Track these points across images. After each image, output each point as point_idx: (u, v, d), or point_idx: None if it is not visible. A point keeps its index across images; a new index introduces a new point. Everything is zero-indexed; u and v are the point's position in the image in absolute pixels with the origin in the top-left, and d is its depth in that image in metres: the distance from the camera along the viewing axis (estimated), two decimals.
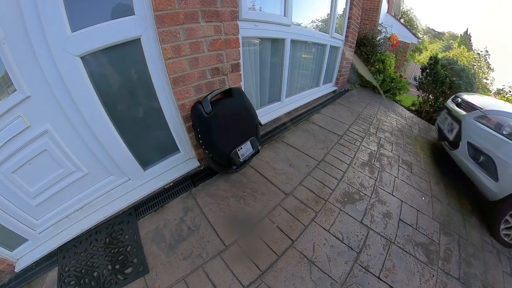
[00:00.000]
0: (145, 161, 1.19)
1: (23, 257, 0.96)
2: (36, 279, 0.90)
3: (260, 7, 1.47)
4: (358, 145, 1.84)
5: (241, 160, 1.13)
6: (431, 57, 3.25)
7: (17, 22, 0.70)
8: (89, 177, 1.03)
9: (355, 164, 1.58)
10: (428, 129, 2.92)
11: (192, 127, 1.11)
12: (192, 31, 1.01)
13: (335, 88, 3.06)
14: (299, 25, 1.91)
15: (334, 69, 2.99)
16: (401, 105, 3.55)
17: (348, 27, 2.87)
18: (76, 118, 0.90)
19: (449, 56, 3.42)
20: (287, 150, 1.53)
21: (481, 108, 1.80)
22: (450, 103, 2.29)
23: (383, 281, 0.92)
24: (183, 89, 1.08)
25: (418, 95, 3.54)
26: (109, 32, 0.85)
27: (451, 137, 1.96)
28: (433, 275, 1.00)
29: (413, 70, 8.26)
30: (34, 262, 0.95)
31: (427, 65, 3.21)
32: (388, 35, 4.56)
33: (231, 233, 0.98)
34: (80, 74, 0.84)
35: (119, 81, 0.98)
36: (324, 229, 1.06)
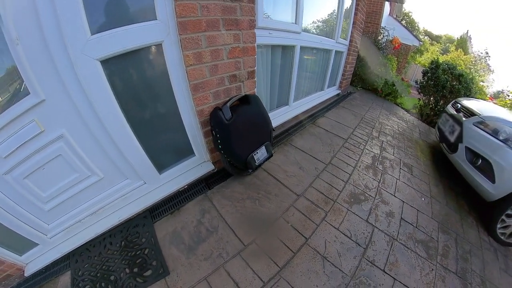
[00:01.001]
0: (161, 165, 1.21)
1: (33, 261, 0.94)
2: (47, 284, 0.90)
3: (273, 15, 1.54)
4: (362, 148, 1.93)
5: (256, 164, 1.20)
6: (432, 61, 3.34)
7: (32, 21, 0.65)
8: (105, 181, 1.02)
9: (360, 167, 1.68)
10: (428, 132, 3.02)
11: (210, 132, 1.17)
12: (213, 39, 1.04)
13: (339, 91, 3.15)
14: (307, 31, 1.99)
15: (338, 73, 3.07)
16: (402, 107, 3.65)
17: (352, 32, 2.95)
18: (94, 123, 0.88)
19: (449, 61, 3.50)
20: (296, 154, 1.62)
21: (479, 114, 1.90)
22: (450, 109, 2.39)
23: (388, 273, 1.02)
24: (202, 95, 1.12)
25: (419, 98, 3.63)
26: (130, 37, 0.83)
27: (452, 138, 2.05)
28: (432, 269, 1.10)
29: (414, 71, 8.35)
30: (44, 267, 0.93)
31: (428, 69, 3.30)
32: (390, 38, 4.64)
33: (249, 233, 1.05)
34: (99, 78, 0.82)
35: (138, 86, 0.98)
36: (334, 227, 1.16)
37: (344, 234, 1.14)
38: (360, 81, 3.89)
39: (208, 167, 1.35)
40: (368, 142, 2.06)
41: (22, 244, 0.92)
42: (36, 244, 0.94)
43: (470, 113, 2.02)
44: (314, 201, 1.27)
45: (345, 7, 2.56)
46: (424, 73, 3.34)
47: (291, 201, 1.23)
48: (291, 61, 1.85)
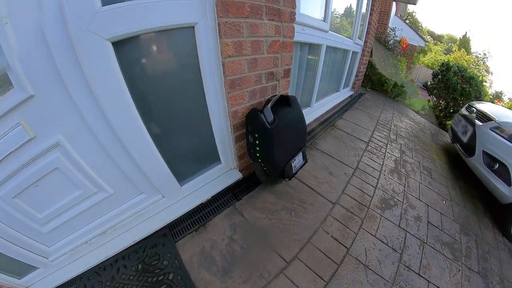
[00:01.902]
0: (182, 175, 1.05)
1: (34, 285, 0.80)
2: None
3: (305, 11, 1.45)
4: (384, 152, 1.94)
5: (293, 172, 1.14)
6: (443, 63, 3.37)
7: None
8: (115, 197, 0.86)
9: (385, 171, 1.68)
10: (438, 133, 3.07)
11: (246, 137, 1.07)
12: (255, 28, 0.90)
13: (352, 92, 3.14)
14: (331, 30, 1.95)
15: (352, 74, 3.05)
16: (411, 109, 3.68)
17: (367, 33, 2.92)
18: (100, 126, 0.68)
19: (458, 63, 3.53)
20: (323, 158, 1.61)
21: (495, 119, 1.93)
22: (464, 112, 2.42)
23: (422, 277, 1.04)
24: (238, 94, 0.97)
25: (428, 100, 3.67)
26: (154, 13, 0.63)
27: (465, 139, 2.09)
28: (459, 270, 1.13)
29: (417, 72, 8.40)
30: None
31: (439, 71, 3.33)
32: (398, 39, 4.64)
33: (289, 248, 0.98)
34: (109, 66, 0.61)
35: (159, 79, 0.78)
36: (371, 234, 1.16)
37: (381, 241, 1.15)
38: (369, 82, 3.89)
39: (235, 176, 1.21)
40: (388, 145, 2.06)
41: (20, 267, 0.76)
42: (36, 268, 0.80)
43: (486, 118, 2.05)
44: (349, 209, 1.25)
45: (363, 7, 2.52)
46: (435, 75, 3.37)
47: (327, 210, 1.20)
48: (316, 61, 1.81)
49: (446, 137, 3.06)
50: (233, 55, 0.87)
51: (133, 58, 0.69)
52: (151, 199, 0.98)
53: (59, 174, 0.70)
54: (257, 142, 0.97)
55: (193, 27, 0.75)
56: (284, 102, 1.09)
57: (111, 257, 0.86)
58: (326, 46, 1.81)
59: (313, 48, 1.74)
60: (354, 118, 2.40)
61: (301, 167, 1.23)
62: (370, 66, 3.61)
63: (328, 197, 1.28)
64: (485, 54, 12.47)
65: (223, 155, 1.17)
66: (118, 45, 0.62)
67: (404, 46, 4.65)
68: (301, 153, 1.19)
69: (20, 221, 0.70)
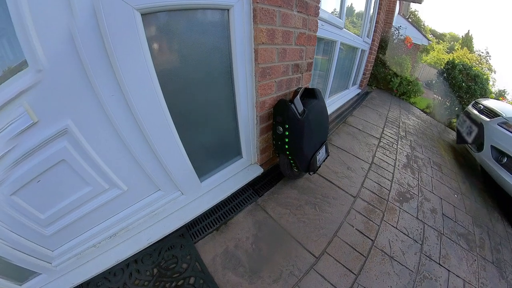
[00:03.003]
0: (203, 170, 0.99)
1: None
2: None
3: (323, 6, 1.49)
4: (395, 147, 1.98)
5: (318, 165, 1.15)
6: (448, 61, 3.41)
7: None
8: (128, 194, 0.76)
9: (399, 166, 1.72)
10: (444, 131, 3.12)
11: (273, 128, 1.03)
12: (286, 18, 0.91)
13: (359, 90, 3.17)
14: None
15: (360, 71, 3.09)
16: (416, 107, 3.73)
17: (375, 31, 2.95)
18: (118, 111, 0.58)
19: (464, 61, 3.58)
20: (340, 153, 1.64)
21: (503, 115, 1.98)
22: (471, 109, 2.47)
23: (443, 266, 1.07)
24: (267, 84, 0.97)
25: (433, 98, 3.73)
26: None
27: (470, 139, 2.14)
28: (475, 260, 1.18)
29: (420, 70, 8.45)
30: None
31: (444, 70, 3.37)
32: (403, 37, 4.67)
33: (317, 243, 0.98)
34: (137, 40, 0.52)
35: (189, 61, 0.70)
36: (393, 226, 1.19)
37: (403, 232, 1.18)
38: (374, 80, 3.93)
39: (256, 171, 1.17)
40: (398, 142, 2.10)
41: (20, 272, 0.66)
42: (39, 273, 0.69)
43: (493, 113, 2.10)
44: (370, 202, 1.28)
45: (372, 5, 2.55)
46: (440, 73, 3.42)
47: (349, 204, 1.23)
48: (331, 57, 1.85)
49: (452, 135, 3.12)
50: (266, 42, 0.86)
51: (162, 35, 0.60)
52: (169, 196, 0.89)
53: (65, 168, 0.58)
54: (287, 133, 0.97)
55: (228, 9, 0.73)
56: (309, 95, 1.11)
57: (122, 261, 0.76)
58: (340, 43, 1.85)
59: (328, 44, 1.77)
60: (364, 116, 2.44)
61: (324, 161, 1.25)
62: (375, 64, 3.65)
63: (349, 191, 1.31)
64: (487, 52, 12.55)
65: (245, 149, 1.15)
66: (148, 18, 0.54)
67: (409, 45, 4.68)
68: (324, 146, 1.21)
69: (19, 222, 0.58)
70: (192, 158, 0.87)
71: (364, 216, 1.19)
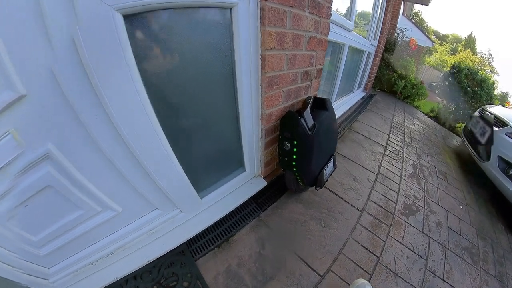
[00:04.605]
0: (203, 185, 0.94)
1: None
2: None
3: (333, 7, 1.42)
4: (401, 156, 1.94)
5: (325, 180, 1.11)
6: (453, 65, 3.35)
7: None
8: (123, 215, 0.73)
9: (405, 176, 1.69)
10: (449, 136, 3.08)
11: (279, 142, 0.97)
12: (298, 20, 0.81)
13: (364, 93, 3.12)
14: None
15: (365, 74, 3.03)
16: (420, 111, 3.68)
17: (381, 33, 2.88)
18: (103, 131, 0.53)
19: (469, 65, 3.52)
20: (345, 163, 1.60)
21: (511, 124, 1.94)
22: (478, 116, 2.42)
23: (446, 282, 1.05)
24: (275, 94, 0.88)
25: (438, 102, 3.68)
26: None
27: (483, 140, 2.08)
28: (478, 274, 1.16)
29: (422, 72, 8.36)
30: None
31: (449, 73, 3.31)
32: (407, 39, 4.58)
33: (322, 261, 0.94)
34: (118, 46, 0.45)
35: (184, 70, 0.62)
36: (398, 241, 1.17)
37: (408, 248, 1.16)
38: (378, 82, 3.86)
39: (259, 184, 1.11)
40: (404, 149, 2.07)
41: (14, 286, 0.63)
42: None
43: (501, 122, 2.06)
44: (376, 216, 1.25)
45: (379, 7, 2.47)
46: (446, 77, 3.36)
47: (356, 218, 1.20)
48: (338, 61, 1.78)
49: (457, 140, 3.08)
50: (274, 48, 0.75)
51: (149, 39, 0.50)
52: (166, 215, 0.85)
53: (52, 193, 0.55)
54: (295, 149, 0.91)
55: (231, 8, 0.62)
56: (318, 105, 1.04)
57: (120, 278, 0.73)
58: (348, 46, 1.78)
59: (336, 47, 1.70)
60: (369, 121, 2.39)
61: (331, 174, 1.21)
62: (385, 65, 3.57)
63: (355, 205, 1.28)
64: (490, 54, 12.44)
65: (249, 162, 1.08)
66: (131, 19, 0.45)
67: (413, 47, 4.61)
68: (332, 160, 1.17)
69: (12, 244, 0.57)
70: (190, 174, 0.82)
71: (370, 232, 1.16)
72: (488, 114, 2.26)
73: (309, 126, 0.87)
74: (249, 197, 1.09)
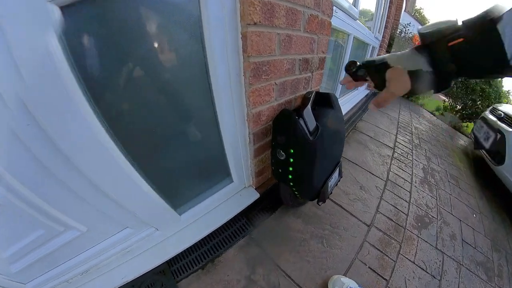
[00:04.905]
0: (181, 201, 0.83)
1: None
2: None
3: None
4: (411, 159, 1.78)
5: (329, 193, 0.93)
6: None
7: None
8: (90, 235, 0.69)
9: (416, 182, 1.53)
10: (456, 136, 2.94)
11: (272, 150, 0.76)
12: None
13: (368, 91, 2.94)
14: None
15: None
16: (425, 109, 3.53)
17: (385, 27, 2.69)
18: (40, 145, 0.45)
19: None
20: (351, 168, 1.44)
21: None
22: (489, 115, 2.27)
23: None
24: (264, 88, 0.66)
25: (444, 101, 3.52)
26: None
27: (496, 142, 1.94)
28: None
29: None
30: None
31: None
32: (411, 35, 4.38)
33: None
34: (51, 43, 0.35)
35: (137, 65, 0.49)
36: (410, 260, 1.02)
37: (420, 268, 1.01)
38: None
39: (250, 196, 0.95)
40: (413, 151, 1.91)
41: None
42: None
43: None
44: (386, 231, 1.10)
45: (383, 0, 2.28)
46: None
47: (363, 235, 1.04)
48: (342, 52, 1.59)
49: (464, 140, 2.94)
50: (260, 23, 0.54)
51: (93, 31, 0.40)
52: (140, 233, 0.77)
53: (10, 212, 0.51)
54: (292, 160, 0.69)
55: None
56: (321, 102, 0.83)
57: None
58: (353, 37, 1.59)
59: (340, 37, 1.51)
60: (374, 120, 2.23)
61: (336, 185, 1.03)
62: None
63: (363, 218, 1.12)
64: None
65: (236, 172, 0.91)
66: (69, 10, 0.36)
67: (417, 43, 4.41)
68: (338, 169, 0.99)
69: None
70: (162, 190, 0.71)
71: (379, 251, 1.01)
72: (501, 113, 2.11)
73: (311, 129, 0.67)
74: (239, 212, 0.93)
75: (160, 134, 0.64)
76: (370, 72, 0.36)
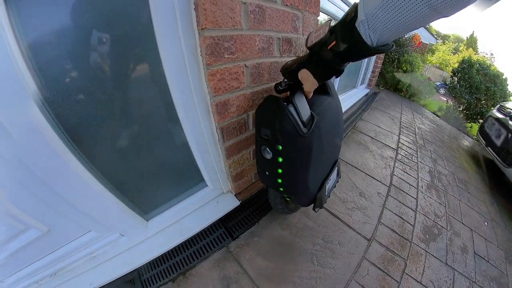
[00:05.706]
0: (148, 206, 0.77)
1: None
2: None
3: None
4: (416, 161, 1.64)
5: (327, 197, 0.76)
6: (463, 60, 3.07)
7: None
8: (53, 235, 0.66)
9: (422, 187, 1.39)
10: (460, 137, 2.81)
11: (256, 147, 0.61)
12: None
13: (368, 90, 2.82)
14: None
15: (369, 69, 2.72)
16: (428, 109, 3.40)
17: None
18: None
19: (480, 60, 3.24)
20: (350, 172, 1.30)
21: None
22: (497, 113, 2.14)
23: None
24: (228, 69, 0.54)
25: (446, 100, 3.39)
26: None
27: (507, 142, 1.82)
28: None
29: (425, 71, 8.08)
30: None
31: (459, 69, 3.03)
32: (411, 35, 4.29)
33: None
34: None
35: (80, 43, 0.41)
36: (416, 280, 0.87)
37: None
38: (382, 80, 3.57)
39: (229, 203, 0.85)
40: (418, 153, 1.77)
41: None
42: None
43: None
44: (389, 246, 0.95)
45: None
46: (455, 73, 3.07)
47: (361, 251, 0.89)
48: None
49: (468, 141, 2.81)
50: None
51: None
52: (104, 238, 0.75)
53: None
54: (280, 160, 0.55)
55: None
56: (316, 89, 0.67)
57: None
58: None
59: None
60: (375, 120, 2.09)
61: (334, 187, 0.86)
62: (389, 61, 3.27)
63: (362, 231, 0.97)
64: (492, 54, 12.18)
65: (209, 175, 0.81)
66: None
67: (418, 43, 4.32)
68: (336, 168, 0.82)
69: None
70: (124, 193, 0.67)
71: (380, 270, 0.86)
72: (510, 111, 1.98)
73: (304, 119, 0.52)
74: (214, 220, 0.83)
75: (113, 132, 0.57)
76: (289, 77, 0.50)
